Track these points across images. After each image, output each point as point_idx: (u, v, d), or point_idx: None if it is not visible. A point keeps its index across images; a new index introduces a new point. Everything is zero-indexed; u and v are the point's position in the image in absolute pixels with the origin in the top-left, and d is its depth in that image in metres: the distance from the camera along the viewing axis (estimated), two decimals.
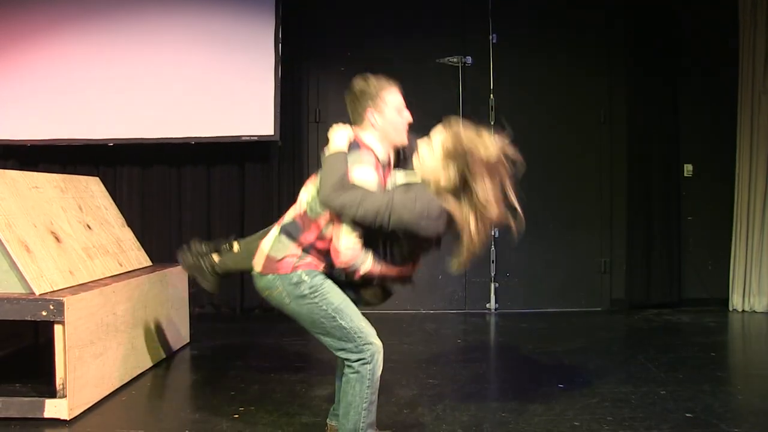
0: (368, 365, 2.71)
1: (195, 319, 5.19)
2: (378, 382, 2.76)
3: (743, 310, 5.95)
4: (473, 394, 3.77)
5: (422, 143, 2.73)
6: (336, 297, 2.73)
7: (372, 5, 6.20)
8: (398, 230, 2.58)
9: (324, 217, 2.70)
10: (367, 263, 2.67)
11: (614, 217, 6.17)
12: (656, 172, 6.08)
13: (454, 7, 6.16)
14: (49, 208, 3.94)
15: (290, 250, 2.74)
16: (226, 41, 5.82)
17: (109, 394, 3.74)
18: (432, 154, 2.67)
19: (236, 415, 3.43)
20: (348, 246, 2.62)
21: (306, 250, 2.74)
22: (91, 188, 4.64)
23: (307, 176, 6.19)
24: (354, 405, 2.73)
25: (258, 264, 2.82)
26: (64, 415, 3.33)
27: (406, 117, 2.81)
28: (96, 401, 3.60)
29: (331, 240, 2.70)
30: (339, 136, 2.74)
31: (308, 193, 2.80)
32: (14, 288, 3.43)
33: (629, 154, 6.11)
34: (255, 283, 2.86)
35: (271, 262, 2.76)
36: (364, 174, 2.62)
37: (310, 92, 6.23)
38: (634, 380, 3.93)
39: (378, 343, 2.75)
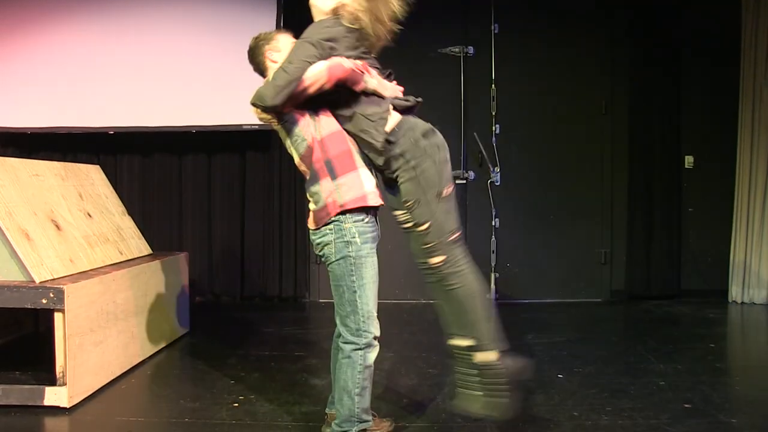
0: (359, 351, 2.75)
1: (195, 308, 5.19)
2: (370, 370, 2.79)
3: (742, 302, 5.95)
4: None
5: None
6: (369, 275, 2.76)
7: None
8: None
9: (305, 129, 2.75)
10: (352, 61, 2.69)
11: (615, 208, 6.17)
12: (657, 164, 6.08)
13: None
14: (50, 196, 3.94)
15: (324, 190, 2.75)
16: (228, 28, 5.79)
17: (109, 382, 3.75)
18: None
19: (236, 404, 3.44)
20: (318, 64, 2.63)
21: (331, 173, 2.73)
22: (92, 176, 4.63)
23: None
24: (347, 390, 2.76)
25: (311, 222, 2.84)
26: (64, 403, 3.34)
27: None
28: (96, 389, 3.61)
29: (332, 138, 2.74)
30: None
31: (289, 148, 2.87)
32: (14, 276, 3.43)
33: (630, 145, 6.10)
34: (312, 242, 2.86)
35: (319, 213, 2.78)
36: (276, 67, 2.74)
37: None
38: (633, 371, 3.94)
39: (377, 335, 2.78)
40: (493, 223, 6.11)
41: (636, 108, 6.07)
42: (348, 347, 2.76)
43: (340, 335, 2.84)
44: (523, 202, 6.15)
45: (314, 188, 2.78)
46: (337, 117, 2.77)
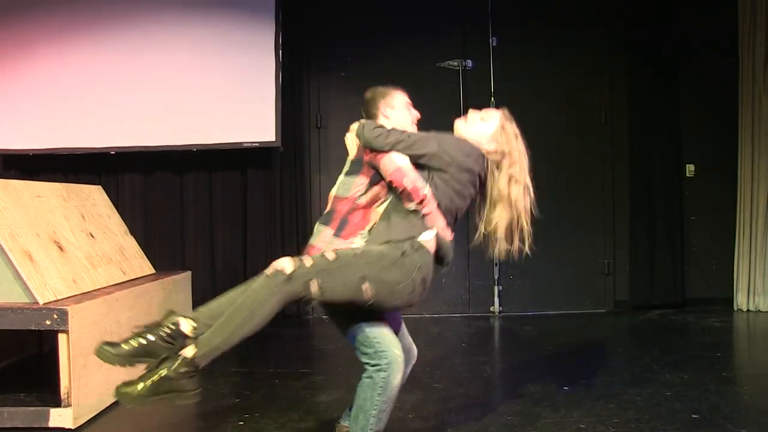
0: (382, 373, 2.70)
1: None
2: (393, 392, 2.72)
3: (748, 310, 5.93)
4: (478, 398, 3.76)
5: (475, 112, 2.91)
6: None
7: (372, 10, 6.21)
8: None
9: (356, 184, 2.82)
10: (426, 186, 2.73)
11: (617, 218, 6.17)
12: (658, 173, 6.08)
13: (454, 11, 6.17)
14: (52, 218, 3.94)
15: (323, 235, 2.84)
16: (227, 48, 5.83)
17: (114, 403, 3.73)
18: (485, 125, 2.86)
19: (241, 422, 3.42)
20: (405, 161, 2.71)
21: (338, 231, 2.83)
22: (94, 197, 4.64)
23: (310, 181, 6.25)
24: (364, 409, 2.73)
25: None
26: (69, 424, 3.33)
27: (415, 114, 3.04)
28: (101, 410, 3.60)
29: (364, 210, 2.82)
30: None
31: (338, 181, 2.93)
32: (18, 297, 3.43)
33: (631, 155, 6.11)
34: None
35: (307, 249, 2.87)
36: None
37: (311, 98, 6.24)
38: (639, 381, 3.92)
39: (398, 354, 2.73)
40: None
41: (636, 117, 6.08)
42: (371, 369, 2.73)
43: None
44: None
45: (320, 225, 2.90)
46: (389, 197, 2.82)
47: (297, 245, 6.13)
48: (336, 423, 3.11)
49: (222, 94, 5.81)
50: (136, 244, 4.84)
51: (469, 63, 6.10)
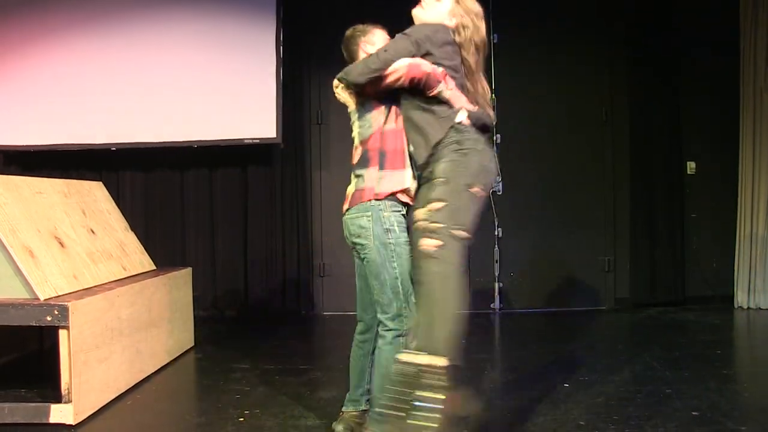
0: (401, 338, 2.79)
1: (199, 322, 5.19)
2: None
3: (748, 308, 5.93)
4: (478, 395, 3.76)
5: None
6: (407, 263, 2.82)
7: (373, 6, 6.19)
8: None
9: (374, 119, 2.86)
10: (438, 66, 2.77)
11: (617, 216, 6.17)
12: (659, 170, 6.08)
13: None
14: (53, 213, 3.94)
15: (369, 175, 2.86)
16: (227, 44, 5.83)
17: (115, 399, 3.74)
18: (441, 4, 2.93)
19: (241, 419, 3.42)
20: (405, 59, 2.75)
21: (381, 164, 2.84)
22: (94, 193, 4.64)
23: (311, 178, 6.26)
24: (389, 377, 2.74)
25: (345, 206, 2.93)
26: (70, 420, 3.33)
27: None
28: (101, 406, 3.60)
29: (394, 133, 2.85)
30: None
31: (354, 131, 2.97)
32: (19, 293, 3.43)
33: (631, 153, 6.11)
34: (346, 228, 2.93)
35: (356, 195, 2.89)
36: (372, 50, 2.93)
37: (312, 94, 6.24)
38: (639, 379, 3.93)
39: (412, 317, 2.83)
40: (496, 233, 6.11)
41: (636, 115, 6.08)
42: (390, 334, 2.81)
43: (378, 325, 2.90)
44: (525, 210, 6.15)
45: (360, 171, 2.91)
46: (404, 109, 2.87)
47: (297, 241, 6.14)
48: (340, 411, 3.12)
49: (223, 91, 5.81)
50: (137, 240, 4.84)
51: None
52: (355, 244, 2.92)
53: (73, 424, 3.34)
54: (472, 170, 2.73)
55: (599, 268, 6.18)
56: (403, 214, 2.86)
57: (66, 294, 3.57)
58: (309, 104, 6.23)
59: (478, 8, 2.95)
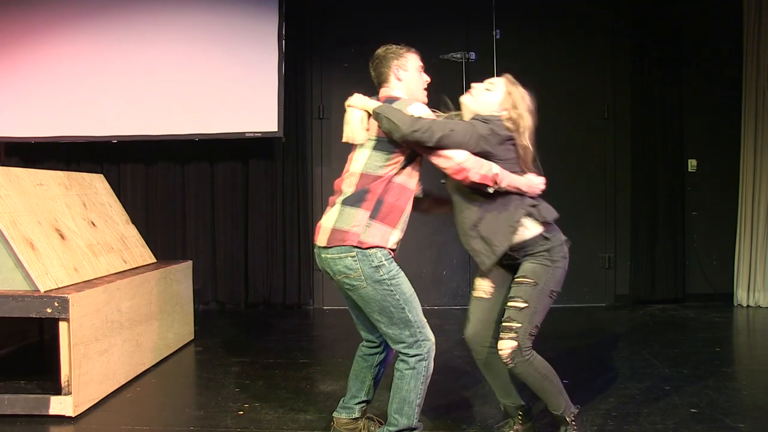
0: (424, 362, 2.75)
1: (199, 316, 5.20)
2: (430, 378, 2.81)
3: (748, 306, 5.94)
4: (477, 390, 3.77)
5: (478, 84, 2.95)
6: (407, 287, 2.77)
7: (376, 1, 6.19)
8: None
9: (391, 162, 2.73)
10: (494, 166, 2.71)
11: (618, 213, 6.17)
12: (660, 168, 6.07)
13: (458, 3, 6.15)
14: (54, 206, 3.95)
15: (357, 217, 2.72)
16: (230, 38, 5.82)
17: (114, 391, 3.75)
18: (491, 94, 2.90)
19: (241, 412, 3.43)
20: (463, 154, 2.67)
21: (374, 212, 2.72)
22: (95, 185, 4.64)
23: (311, 172, 6.24)
24: (409, 401, 2.75)
25: (322, 239, 2.78)
26: (69, 412, 3.34)
27: (426, 79, 2.98)
28: (101, 398, 3.61)
29: (398, 187, 2.74)
30: (369, 101, 2.81)
31: (361, 157, 2.79)
32: (19, 285, 3.43)
33: (633, 150, 6.11)
34: (327, 265, 2.78)
35: (336, 233, 2.73)
36: (419, 109, 2.75)
37: (314, 88, 6.23)
38: (638, 376, 3.93)
39: (433, 340, 2.81)
40: None
41: (638, 112, 6.08)
42: (413, 360, 2.75)
43: (374, 344, 2.91)
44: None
45: (349, 207, 2.74)
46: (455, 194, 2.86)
47: (298, 235, 6.14)
48: (331, 420, 3.10)
49: (224, 84, 5.81)
50: (138, 232, 4.85)
51: (473, 55, 6.08)
52: (341, 282, 2.77)
53: (73, 416, 3.35)
54: (557, 279, 2.90)
55: (600, 265, 6.18)
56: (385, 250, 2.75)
57: (66, 286, 3.57)
58: (311, 98, 6.23)
59: (528, 99, 2.92)
